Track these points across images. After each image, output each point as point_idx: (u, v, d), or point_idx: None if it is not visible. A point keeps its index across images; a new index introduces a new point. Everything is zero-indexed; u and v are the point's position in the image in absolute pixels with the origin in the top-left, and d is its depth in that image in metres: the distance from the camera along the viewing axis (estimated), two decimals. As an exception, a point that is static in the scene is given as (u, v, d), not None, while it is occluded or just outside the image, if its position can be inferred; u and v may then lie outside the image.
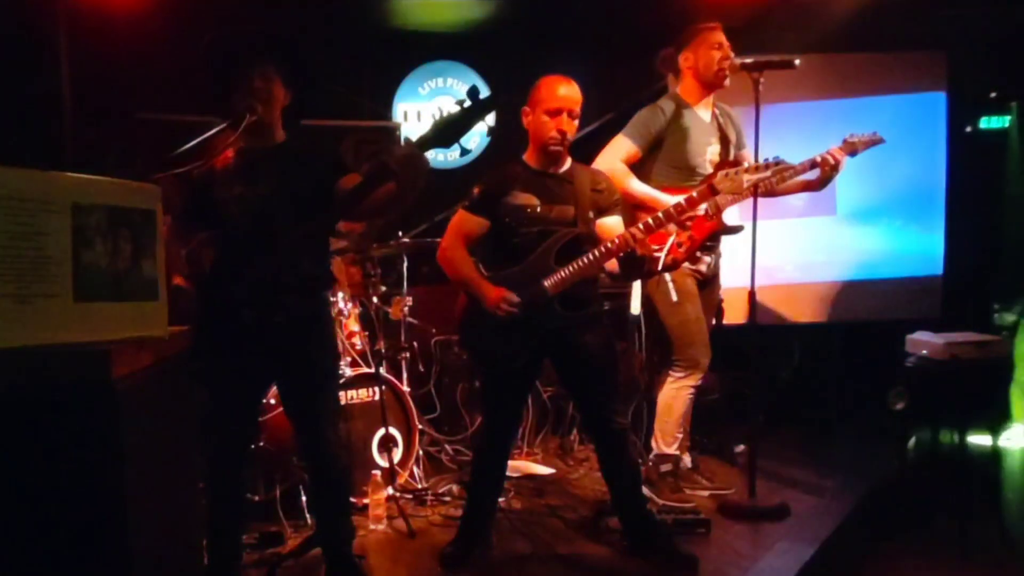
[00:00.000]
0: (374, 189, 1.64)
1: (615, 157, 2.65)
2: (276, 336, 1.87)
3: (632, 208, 2.64)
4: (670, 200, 2.49)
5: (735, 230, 2.69)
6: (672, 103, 2.71)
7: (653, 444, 2.79)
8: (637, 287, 2.81)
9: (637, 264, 2.06)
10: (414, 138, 1.68)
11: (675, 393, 2.74)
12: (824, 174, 2.67)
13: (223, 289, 1.85)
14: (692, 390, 2.73)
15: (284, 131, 1.96)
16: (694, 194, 2.27)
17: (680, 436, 2.78)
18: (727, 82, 2.66)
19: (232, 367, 1.88)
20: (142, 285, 1.27)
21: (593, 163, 2.60)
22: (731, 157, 2.76)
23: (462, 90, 4.27)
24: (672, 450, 2.76)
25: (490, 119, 4.19)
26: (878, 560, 2.50)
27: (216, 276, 1.86)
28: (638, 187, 2.66)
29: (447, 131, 1.63)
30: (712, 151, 2.72)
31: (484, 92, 1.61)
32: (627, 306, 2.93)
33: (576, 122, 2.16)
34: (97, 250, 1.19)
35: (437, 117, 1.65)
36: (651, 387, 2.96)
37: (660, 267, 2.61)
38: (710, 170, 2.68)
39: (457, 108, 1.63)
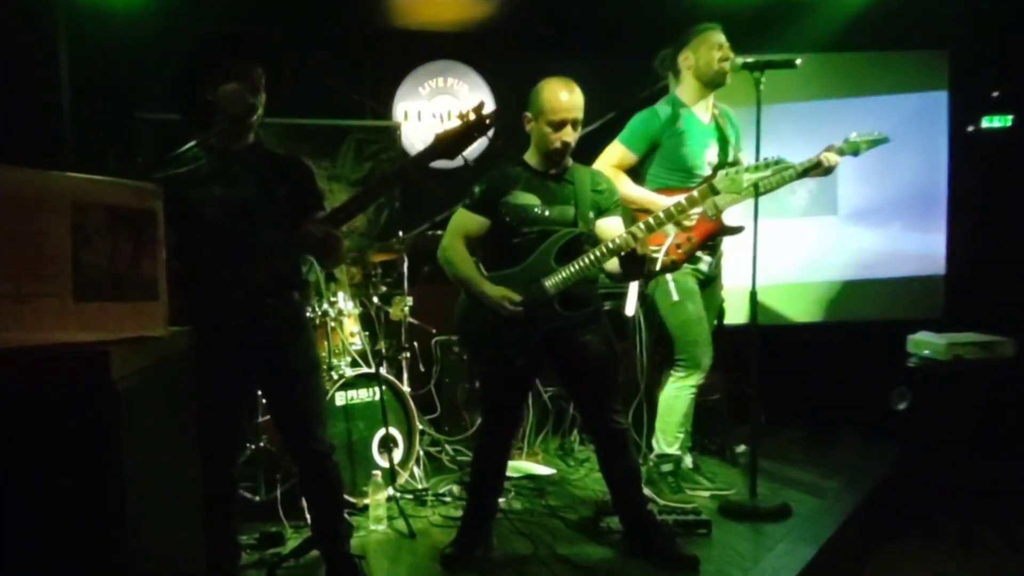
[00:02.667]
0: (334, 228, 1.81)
1: (608, 162, 2.66)
2: (260, 339, 1.88)
3: (634, 211, 2.64)
4: (665, 201, 2.49)
5: (736, 230, 2.68)
6: (669, 106, 2.71)
7: (654, 444, 2.79)
8: (633, 287, 2.80)
9: (637, 264, 2.06)
10: (416, 151, 1.73)
11: (676, 393, 2.73)
12: (817, 174, 2.68)
13: (205, 292, 1.85)
14: (693, 390, 2.73)
15: (255, 134, 1.97)
16: (694, 194, 2.27)
17: (681, 436, 2.78)
18: (728, 80, 2.65)
19: (216, 371, 1.86)
20: (142, 285, 1.26)
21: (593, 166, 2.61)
22: (731, 158, 2.76)
23: (463, 90, 4.28)
24: (673, 450, 2.76)
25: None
26: (879, 561, 2.50)
27: (197, 279, 1.85)
28: (632, 190, 2.66)
29: (449, 145, 1.66)
30: (711, 152, 2.72)
31: (489, 107, 1.64)
32: (623, 307, 2.91)
33: (579, 127, 2.16)
34: (97, 250, 1.18)
35: (440, 132, 1.69)
36: (651, 387, 2.96)
37: (659, 267, 2.61)
38: (708, 171, 2.68)
39: (459, 122, 1.66)
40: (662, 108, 2.71)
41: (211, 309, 1.84)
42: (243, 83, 1.84)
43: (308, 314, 2.69)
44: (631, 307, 2.82)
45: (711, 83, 2.68)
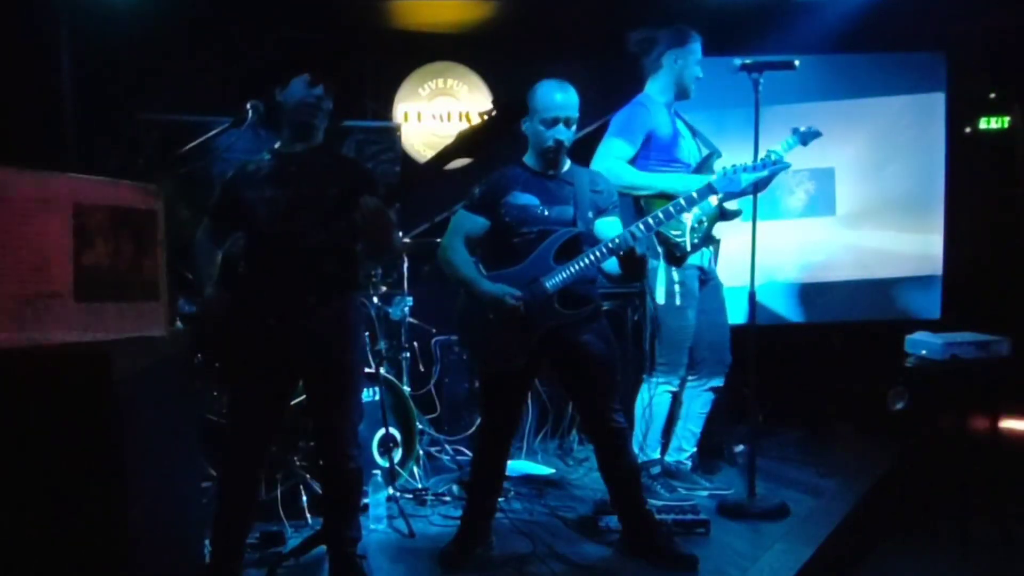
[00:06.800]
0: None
1: (612, 157, 2.63)
2: (301, 338, 1.89)
3: (641, 200, 2.63)
4: (683, 181, 2.51)
5: (735, 214, 2.70)
6: (650, 100, 2.72)
7: (639, 451, 2.70)
8: (661, 273, 2.70)
9: (636, 264, 2.06)
10: (416, 152, 1.76)
11: (658, 399, 2.74)
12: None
13: (251, 291, 1.88)
14: (669, 395, 2.75)
15: (318, 138, 1.99)
16: (694, 194, 2.28)
17: (663, 440, 2.80)
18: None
19: (258, 369, 1.89)
20: (143, 285, 1.27)
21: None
22: (703, 154, 2.76)
23: (463, 91, 4.28)
24: (657, 455, 2.77)
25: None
26: (877, 560, 2.50)
27: (244, 278, 1.88)
28: (648, 178, 2.62)
29: (469, 142, 1.67)
30: (689, 145, 2.73)
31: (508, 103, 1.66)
32: (651, 295, 2.83)
33: (574, 127, 2.17)
34: (98, 250, 1.19)
35: (462, 130, 1.71)
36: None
37: (689, 249, 2.63)
38: (693, 163, 2.70)
39: (480, 119, 1.67)
40: (646, 100, 2.71)
41: (255, 308, 1.87)
42: (312, 87, 1.89)
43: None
44: (660, 295, 2.76)
45: (683, 93, 2.72)
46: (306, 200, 1.89)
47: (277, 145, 1.98)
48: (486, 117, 1.67)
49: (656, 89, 2.74)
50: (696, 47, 2.69)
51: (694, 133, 2.79)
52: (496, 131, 1.68)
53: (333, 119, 1.99)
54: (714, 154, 2.76)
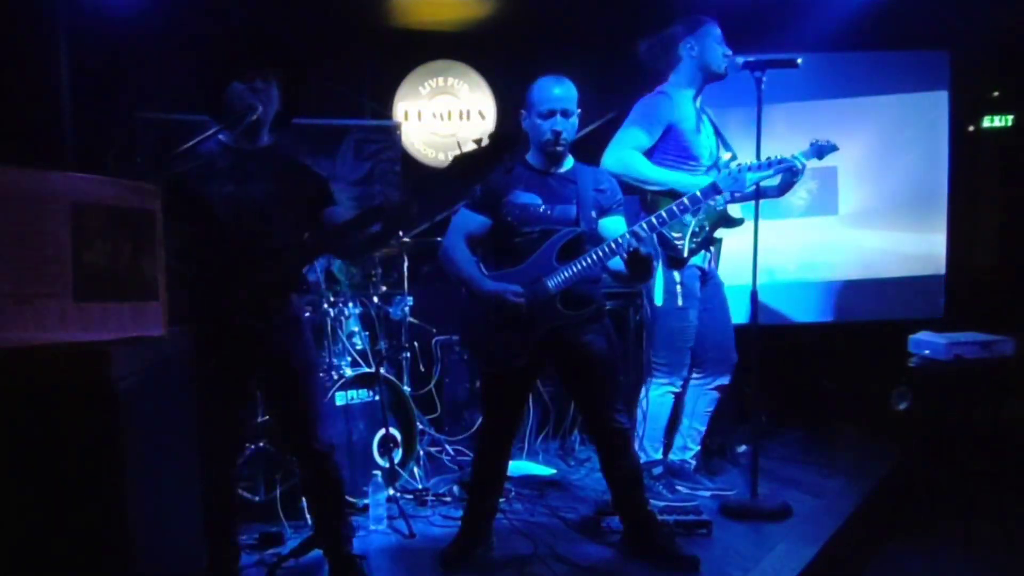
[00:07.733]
0: (366, 227, 1.79)
1: (628, 146, 2.57)
2: (262, 339, 1.88)
3: (649, 195, 2.60)
4: (692, 181, 2.48)
5: (737, 222, 2.68)
6: (676, 90, 2.66)
7: (640, 452, 2.69)
8: (660, 274, 2.67)
9: (642, 264, 2.05)
10: (416, 151, 1.75)
11: (659, 399, 2.73)
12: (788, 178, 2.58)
13: (211, 288, 1.86)
14: (673, 395, 2.74)
15: (271, 135, 1.98)
16: (698, 194, 2.27)
17: (666, 441, 2.79)
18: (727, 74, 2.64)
19: (218, 368, 1.87)
20: (142, 285, 1.26)
21: (603, 156, 2.57)
22: (722, 151, 2.74)
23: (463, 90, 4.28)
24: (659, 455, 2.77)
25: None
26: (880, 561, 2.49)
27: (203, 274, 1.86)
28: (659, 173, 2.58)
29: (463, 169, 1.68)
30: (709, 142, 2.70)
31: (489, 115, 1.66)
32: (649, 297, 2.80)
33: (573, 119, 2.16)
34: (97, 250, 1.18)
35: (458, 153, 1.71)
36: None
37: (686, 254, 2.61)
38: (709, 161, 2.67)
39: (474, 146, 1.68)
40: (670, 90, 2.65)
41: (216, 306, 1.84)
42: (246, 82, 1.85)
43: (307, 314, 2.69)
44: (659, 296, 2.74)
45: (713, 76, 2.63)
46: (271, 200, 1.88)
47: (224, 137, 1.92)
48: (479, 145, 1.69)
49: (680, 80, 2.68)
50: (711, 28, 2.62)
51: (717, 131, 2.74)
52: (489, 159, 1.70)
53: (287, 113, 1.96)
54: (720, 158, 2.73)
